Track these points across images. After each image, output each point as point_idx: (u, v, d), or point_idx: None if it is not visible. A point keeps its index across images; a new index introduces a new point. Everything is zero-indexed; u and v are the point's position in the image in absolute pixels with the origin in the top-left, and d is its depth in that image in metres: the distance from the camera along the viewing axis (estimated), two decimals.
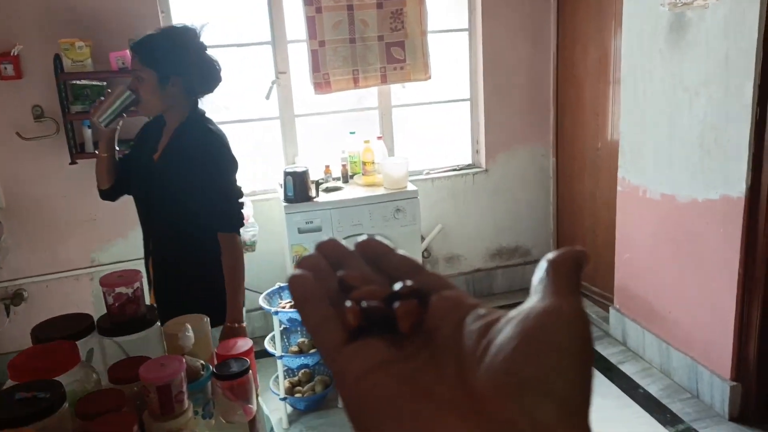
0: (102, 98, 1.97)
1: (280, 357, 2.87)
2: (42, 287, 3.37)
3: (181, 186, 1.93)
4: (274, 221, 3.46)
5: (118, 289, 1.45)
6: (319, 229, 3.16)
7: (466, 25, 3.84)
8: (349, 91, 3.58)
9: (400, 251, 0.35)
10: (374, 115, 3.82)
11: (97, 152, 2.05)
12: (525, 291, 0.31)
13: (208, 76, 1.98)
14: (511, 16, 3.78)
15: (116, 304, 1.45)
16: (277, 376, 2.95)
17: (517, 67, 3.87)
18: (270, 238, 3.41)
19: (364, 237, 0.36)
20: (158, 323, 1.51)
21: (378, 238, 0.35)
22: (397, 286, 0.32)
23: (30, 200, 3.27)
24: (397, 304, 0.31)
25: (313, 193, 3.18)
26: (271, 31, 3.55)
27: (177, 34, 1.94)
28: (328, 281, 0.33)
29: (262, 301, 2.91)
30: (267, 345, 2.95)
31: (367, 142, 3.44)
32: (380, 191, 3.31)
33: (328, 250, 0.35)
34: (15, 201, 3.25)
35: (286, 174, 3.14)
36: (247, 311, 2.17)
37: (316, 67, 3.50)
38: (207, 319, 1.54)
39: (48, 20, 3.11)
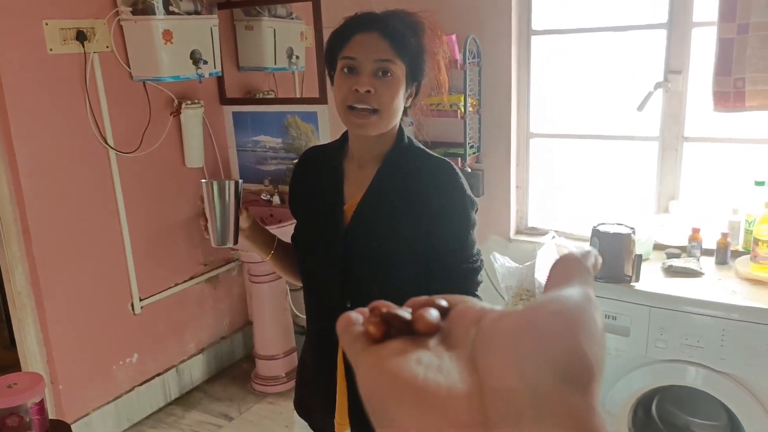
0: (206, 210, 1.31)
1: None
2: None
3: (397, 243, 1.28)
4: None
5: None
6: (625, 333, 1.93)
7: None
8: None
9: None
10: None
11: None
12: None
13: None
14: None
15: None
16: None
17: None
18: None
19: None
20: None
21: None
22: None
23: None
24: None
25: (629, 271, 1.95)
26: (670, 9, 2.32)
27: (419, 22, 1.29)
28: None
29: None
30: None
31: None
32: (764, 299, 1.81)
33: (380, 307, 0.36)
34: None
35: (594, 233, 2.01)
36: None
37: (724, 66, 2.11)
38: None
39: None
